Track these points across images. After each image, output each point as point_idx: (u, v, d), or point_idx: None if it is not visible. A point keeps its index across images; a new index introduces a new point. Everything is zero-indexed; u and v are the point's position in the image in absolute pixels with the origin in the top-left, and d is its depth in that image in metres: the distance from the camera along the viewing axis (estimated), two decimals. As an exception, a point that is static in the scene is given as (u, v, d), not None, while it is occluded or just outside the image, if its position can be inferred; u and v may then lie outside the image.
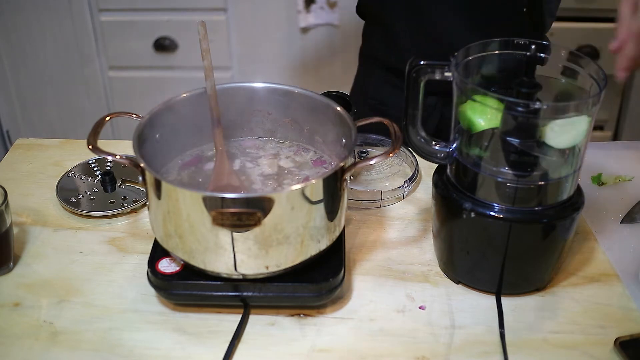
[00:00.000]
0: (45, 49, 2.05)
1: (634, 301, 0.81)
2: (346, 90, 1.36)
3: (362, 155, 1.05)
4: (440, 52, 1.15)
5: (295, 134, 0.90)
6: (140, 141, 0.77)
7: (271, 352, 0.75)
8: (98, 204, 0.96)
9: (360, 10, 1.25)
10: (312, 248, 0.76)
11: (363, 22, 1.27)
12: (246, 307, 0.79)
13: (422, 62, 0.77)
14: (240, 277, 0.76)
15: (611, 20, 2.18)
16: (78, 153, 1.09)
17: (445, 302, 0.81)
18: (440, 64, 0.76)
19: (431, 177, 0.84)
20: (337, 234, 0.80)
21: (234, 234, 0.71)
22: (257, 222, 0.70)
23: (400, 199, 0.99)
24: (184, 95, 0.85)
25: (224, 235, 0.72)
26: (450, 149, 0.80)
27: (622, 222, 0.94)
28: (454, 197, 0.79)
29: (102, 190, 0.99)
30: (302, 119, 0.88)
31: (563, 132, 0.73)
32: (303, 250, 0.75)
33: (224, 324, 0.78)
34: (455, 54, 0.77)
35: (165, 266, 0.79)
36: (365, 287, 0.83)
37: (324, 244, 0.77)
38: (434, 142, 0.82)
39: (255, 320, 0.79)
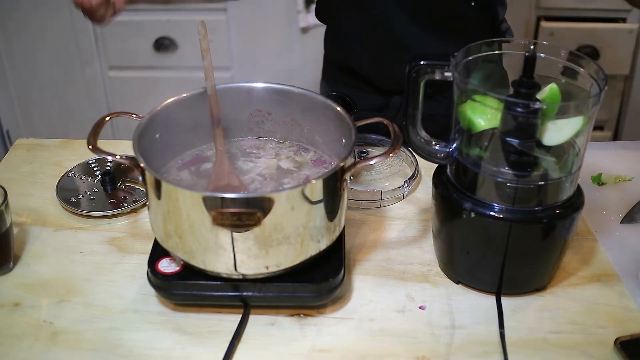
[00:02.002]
0: (45, 49, 2.05)
1: (634, 301, 0.81)
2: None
3: (362, 155, 1.05)
4: (392, 51, 1.15)
5: (295, 134, 0.90)
6: (140, 141, 0.77)
7: (271, 352, 0.75)
8: (98, 204, 0.96)
9: (318, 15, 1.25)
10: (312, 248, 0.76)
11: None
12: (246, 307, 0.79)
13: (422, 62, 0.77)
14: (240, 277, 0.76)
15: (611, 20, 2.18)
16: (78, 153, 1.09)
17: (445, 302, 0.81)
18: (440, 64, 0.76)
19: (431, 177, 0.83)
20: (337, 234, 0.80)
21: (234, 234, 0.71)
22: (257, 222, 0.70)
23: (400, 199, 0.99)
24: (184, 95, 0.85)
25: (224, 235, 0.71)
26: (450, 149, 0.80)
27: (622, 222, 0.94)
28: (454, 197, 0.78)
29: (102, 190, 0.99)
30: (302, 119, 0.88)
31: (555, 129, 0.73)
32: (303, 250, 0.75)
33: (224, 324, 0.78)
34: (455, 53, 0.77)
35: (165, 266, 0.79)
36: (365, 287, 0.83)
37: (324, 244, 0.77)
38: (434, 142, 0.82)
39: (255, 320, 0.79)
